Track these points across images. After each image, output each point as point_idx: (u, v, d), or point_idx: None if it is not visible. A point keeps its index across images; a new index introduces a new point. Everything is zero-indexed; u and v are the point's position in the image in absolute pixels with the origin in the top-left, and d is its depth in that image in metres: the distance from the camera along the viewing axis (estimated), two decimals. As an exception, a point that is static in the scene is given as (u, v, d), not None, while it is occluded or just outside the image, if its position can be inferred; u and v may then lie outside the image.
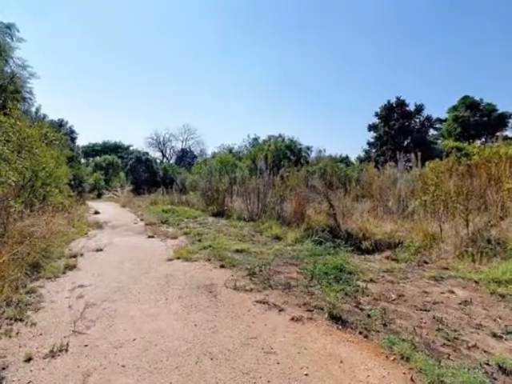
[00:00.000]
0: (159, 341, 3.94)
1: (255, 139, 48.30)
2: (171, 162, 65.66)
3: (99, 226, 13.61)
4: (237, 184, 18.33)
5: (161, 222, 14.79)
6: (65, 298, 5.27)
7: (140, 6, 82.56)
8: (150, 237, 11.32)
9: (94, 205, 25.53)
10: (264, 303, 5.14)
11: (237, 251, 8.67)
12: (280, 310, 4.89)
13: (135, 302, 5.15)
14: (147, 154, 52.00)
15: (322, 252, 7.96)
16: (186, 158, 65.85)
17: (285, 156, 30.13)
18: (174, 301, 5.23)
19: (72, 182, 21.12)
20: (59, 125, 39.03)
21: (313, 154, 36.08)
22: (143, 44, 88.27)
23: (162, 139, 69.95)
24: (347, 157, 39.49)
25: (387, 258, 8.02)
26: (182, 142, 70.91)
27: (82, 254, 8.33)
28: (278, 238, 10.65)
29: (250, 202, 15.38)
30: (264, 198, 14.78)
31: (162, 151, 70.33)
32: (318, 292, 5.55)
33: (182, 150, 68.91)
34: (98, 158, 58.96)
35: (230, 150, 48.31)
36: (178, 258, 8.04)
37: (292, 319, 4.58)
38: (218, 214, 16.72)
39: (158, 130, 78.95)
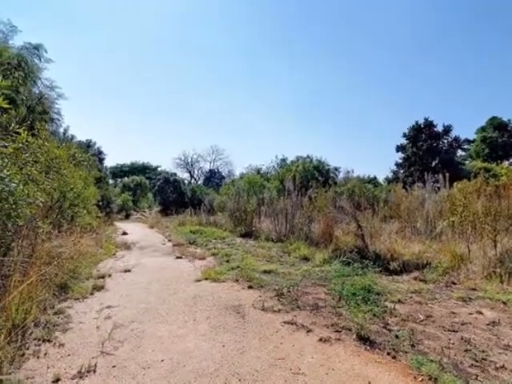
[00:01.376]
0: (187, 361, 3.95)
1: (283, 160, 48.50)
2: (199, 182, 66.27)
3: (127, 246, 13.77)
4: (265, 205, 18.38)
5: (189, 243, 14.89)
6: (93, 319, 5.34)
7: (167, 29, 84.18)
8: (178, 258, 11.40)
9: (122, 226, 25.84)
10: (292, 324, 5.13)
11: (265, 272, 8.69)
12: (308, 331, 4.87)
13: (163, 323, 5.19)
14: (175, 174, 52.54)
15: (350, 273, 7.94)
16: (213, 178, 66.32)
17: (313, 177, 30.14)
18: (202, 321, 5.25)
19: (100, 203, 21.40)
20: (87, 146, 39.74)
21: (341, 175, 36.12)
22: (171, 65, 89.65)
23: (189, 160, 70.79)
24: (375, 178, 39.35)
25: (415, 278, 8.00)
26: (210, 162, 71.67)
27: (109, 275, 8.43)
28: (305, 258, 10.66)
29: (278, 222, 15.38)
30: (292, 218, 14.80)
31: (189, 172, 71.10)
32: (346, 313, 5.53)
33: (210, 170, 69.50)
34: (126, 178, 59.68)
35: (258, 171, 48.57)
36: (206, 279, 8.07)
37: (320, 340, 4.56)
38: (246, 235, 16.75)
39: (186, 150, 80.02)
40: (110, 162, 77.80)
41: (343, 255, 9.36)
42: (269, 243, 13.74)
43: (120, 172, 72.10)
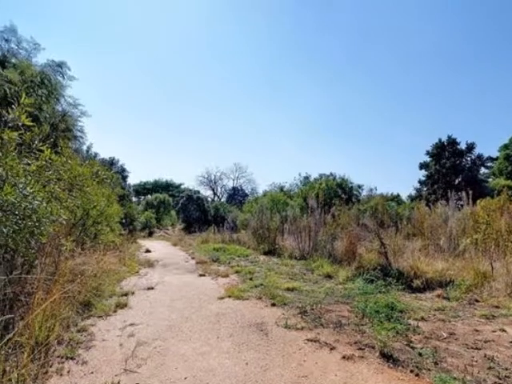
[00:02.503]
0: (210, 379, 3.95)
1: (306, 178, 48.64)
2: (222, 200, 66.52)
3: (150, 264, 13.84)
4: (288, 222, 18.42)
5: (212, 261, 14.91)
6: (116, 337, 5.37)
7: (191, 48, 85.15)
8: (201, 275, 11.42)
9: (146, 243, 25.98)
10: (315, 341, 5.12)
11: (288, 290, 8.70)
12: (331, 349, 4.85)
13: (186, 341, 5.20)
14: (198, 192, 52.95)
15: (373, 290, 7.93)
16: (237, 196, 66.61)
17: (336, 194, 30.15)
18: (225, 339, 5.25)
19: (123, 221, 21.60)
20: (110, 163, 40.32)
21: (364, 193, 36.13)
22: (193, 82, 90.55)
23: (213, 177, 71.22)
24: (398, 195, 39.20)
25: (438, 296, 7.98)
26: (233, 180, 72.02)
27: (133, 293, 8.48)
28: (329, 276, 10.64)
29: (301, 240, 15.36)
30: (315, 236, 14.77)
31: (213, 189, 71.48)
32: (369, 330, 5.52)
33: (233, 188, 69.82)
34: (149, 196, 60.33)
35: (281, 189, 48.75)
36: (229, 297, 8.07)
37: (343, 357, 4.53)
38: (269, 253, 16.75)
39: (209, 168, 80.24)
40: (133, 179, 78.56)
41: (366, 273, 9.35)
42: (292, 261, 13.74)
43: (143, 189, 72.91)
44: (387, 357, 4.47)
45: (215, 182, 71.58)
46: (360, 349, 4.83)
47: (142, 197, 68.08)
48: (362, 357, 4.56)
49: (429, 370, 4.16)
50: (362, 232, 13.10)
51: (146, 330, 5.70)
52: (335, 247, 13.07)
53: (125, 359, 4.48)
